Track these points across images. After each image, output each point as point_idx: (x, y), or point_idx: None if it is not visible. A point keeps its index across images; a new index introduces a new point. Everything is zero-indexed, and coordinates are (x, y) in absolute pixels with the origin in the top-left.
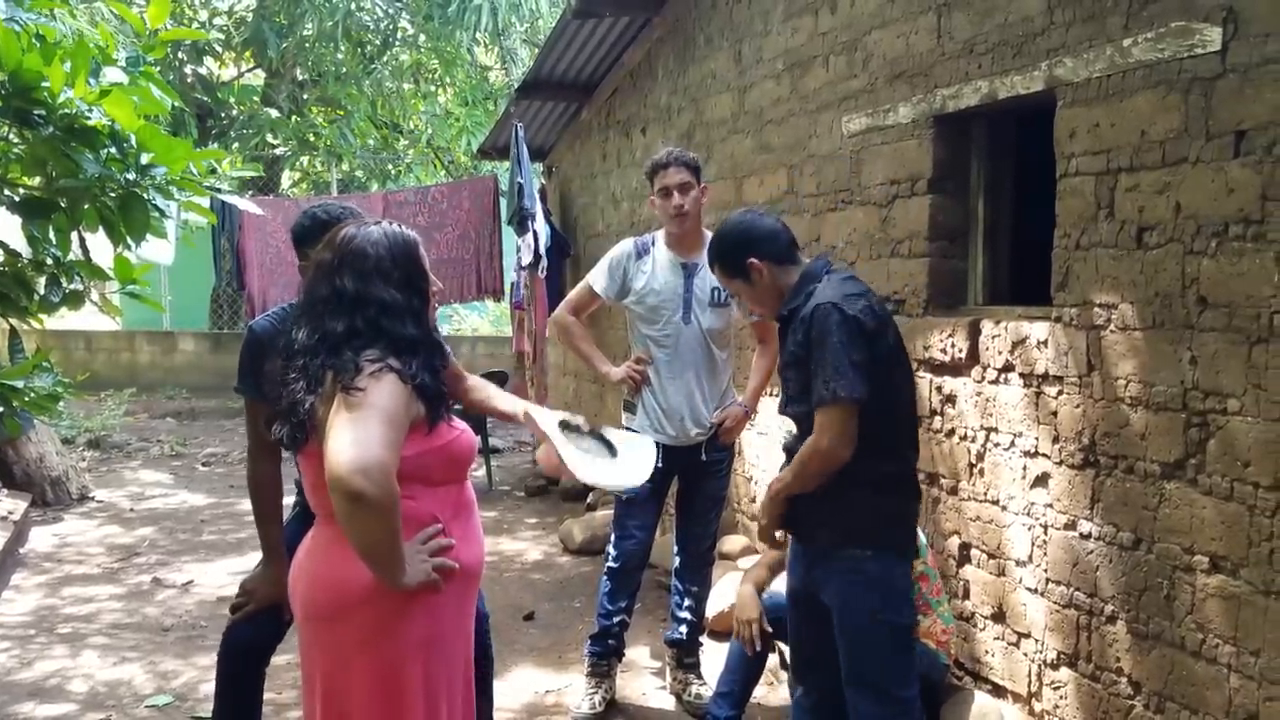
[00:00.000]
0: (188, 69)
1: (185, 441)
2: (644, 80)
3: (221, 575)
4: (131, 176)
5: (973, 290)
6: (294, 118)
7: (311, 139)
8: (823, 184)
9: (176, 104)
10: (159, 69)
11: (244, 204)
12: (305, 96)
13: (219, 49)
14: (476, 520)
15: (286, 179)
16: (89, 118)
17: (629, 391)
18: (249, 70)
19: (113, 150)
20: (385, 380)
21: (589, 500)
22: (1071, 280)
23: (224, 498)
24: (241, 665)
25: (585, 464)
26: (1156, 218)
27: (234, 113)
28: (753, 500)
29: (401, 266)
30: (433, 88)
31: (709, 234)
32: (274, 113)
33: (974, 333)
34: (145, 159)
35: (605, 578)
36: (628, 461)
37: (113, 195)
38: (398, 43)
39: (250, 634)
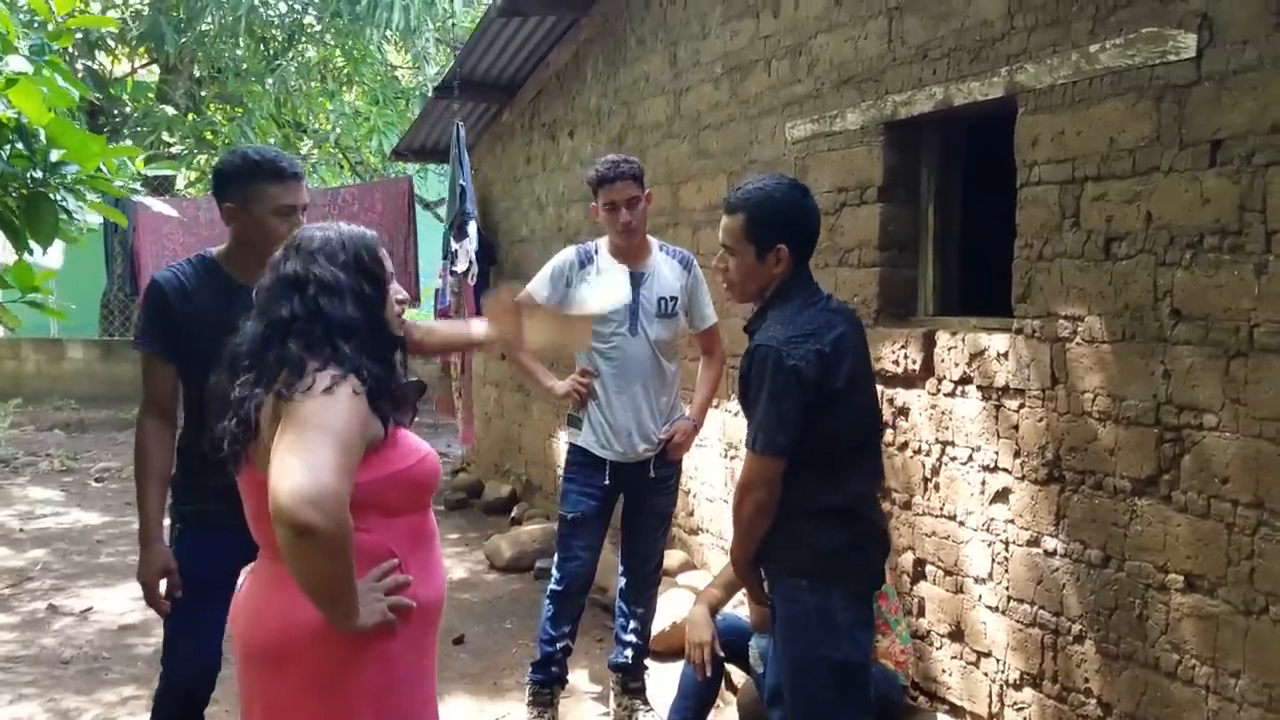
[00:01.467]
0: (79, 63)
1: (76, 455)
2: (571, 82)
3: (123, 601)
4: (39, 175)
5: (923, 300)
6: (190, 115)
7: (209, 137)
8: None
9: (84, 97)
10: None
11: (160, 206)
12: (203, 93)
13: (112, 43)
14: (438, 552)
15: (182, 179)
16: None
17: (574, 406)
18: (143, 66)
19: (18, 146)
20: (340, 396)
21: (514, 514)
22: (1034, 291)
23: (120, 516)
24: (179, 712)
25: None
26: (1126, 228)
27: (127, 110)
28: (690, 514)
29: (350, 250)
30: (340, 85)
31: (653, 240)
32: (170, 110)
33: (928, 344)
34: (55, 156)
35: (548, 601)
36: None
37: (15, 195)
38: (303, 39)
39: (190, 674)
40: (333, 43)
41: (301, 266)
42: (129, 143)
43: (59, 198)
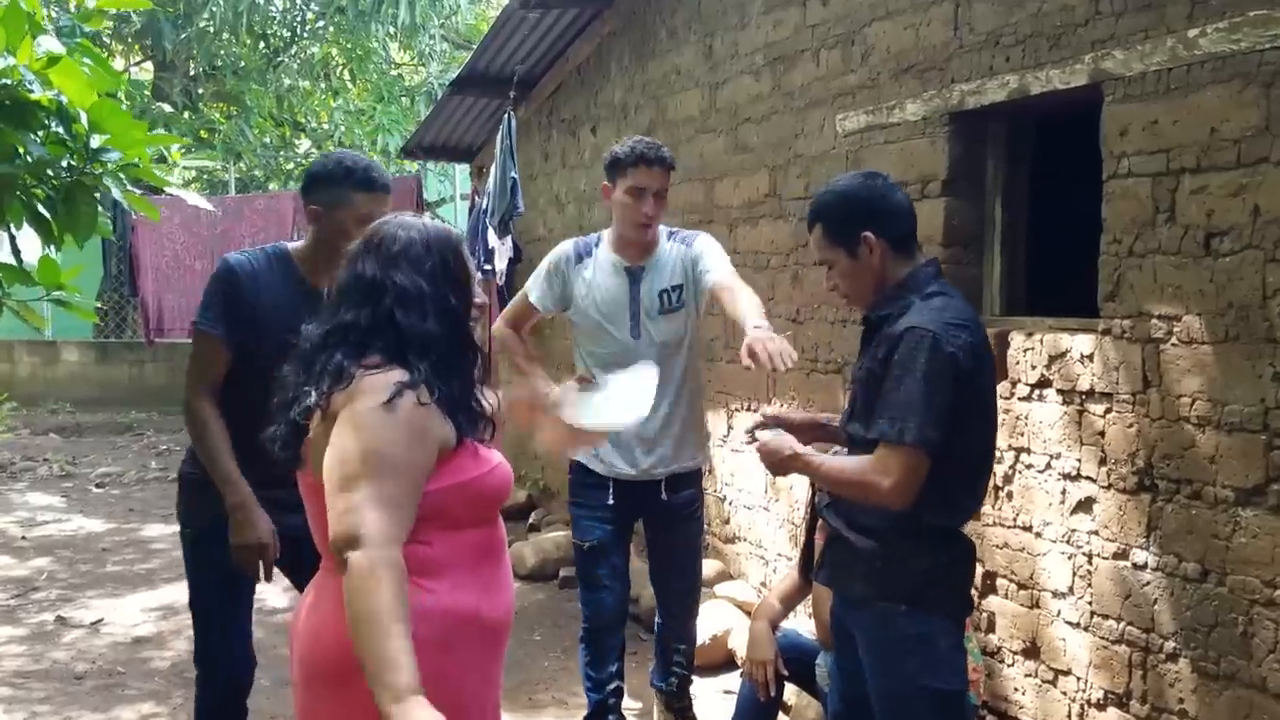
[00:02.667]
0: None
1: (75, 460)
2: (593, 76)
3: (134, 612)
4: (76, 163)
5: (989, 298)
6: (187, 113)
7: (205, 136)
8: (813, 185)
9: (114, 81)
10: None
11: (196, 200)
12: (200, 91)
13: (106, 39)
14: (507, 569)
15: (178, 177)
16: (31, 90)
17: None
18: (138, 64)
19: (57, 130)
20: (399, 410)
21: (531, 520)
22: (1123, 289)
23: (125, 522)
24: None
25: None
26: (1229, 222)
27: (124, 107)
28: (726, 522)
29: (437, 254)
30: (342, 83)
31: (662, 229)
32: (166, 108)
33: (1001, 345)
34: (96, 142)
35: (583, 645)
36: (620, 395)
37: (53, 184)
38: (306, 36)
39: (231, 677)
40: (335, 39)
41: (379, 270)
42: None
43: (99, 188)
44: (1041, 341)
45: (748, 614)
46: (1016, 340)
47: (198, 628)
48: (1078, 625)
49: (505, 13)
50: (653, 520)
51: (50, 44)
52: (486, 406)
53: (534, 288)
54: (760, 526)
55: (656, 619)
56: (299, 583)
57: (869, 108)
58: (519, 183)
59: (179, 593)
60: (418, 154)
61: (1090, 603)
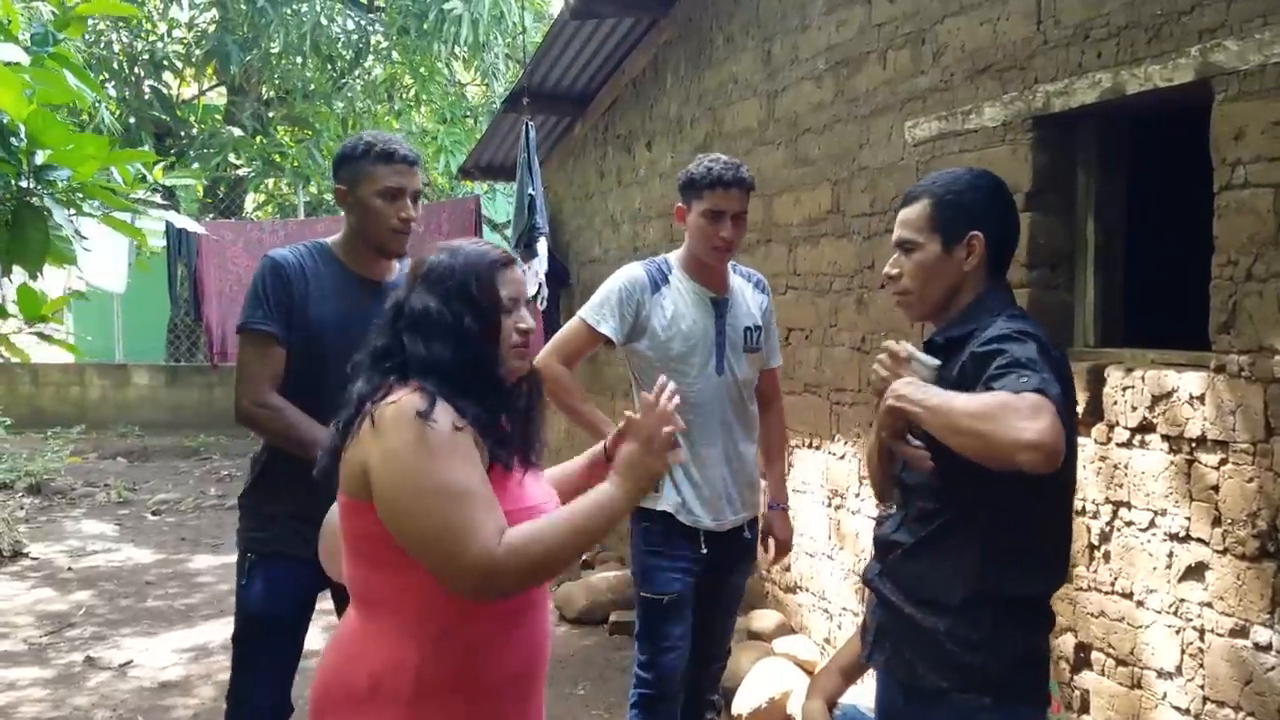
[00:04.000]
0: (145, 84)
1: (135, 486)
2: (649, 89)
3: (165, 653)
4: (27, 185)
5: (1081, 328)
6: (259, 138)
7: (277, 159)
8: (879, 200)
9: (98, 97)
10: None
11: (187, 223)
12: (270, 115)
13: (178, 63)
14: (543, 614)
15: (251, 201)
16: None
17: None
18: (211, 88)
19: None
20: (433, 436)
21: (584, 556)
22: (1240, 320)
23: (174, 553)
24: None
25: None
26: None
27: (194, 132)
28: (786, 569)
29: (459, 276)
30: (408, 105)
31: (734, 265)
32: (237, 131)
33: (1095, 382)
34: (41, 158)
35: (635, 711)
36: None
37: None
38: (370, 57)
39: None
40: (400, 60)
41: (405, 293)
42: (195, 165)
43: (48, 210)
44: (1143, 379)
45: (809, 674)
46: (1114, 377)
47: (235, 663)
48: (1187, 712)
49: (557, 25)
50: (719, 566)
51: (11, 53)
52: (518, 434)
53: (603, 318)
54: (823, 576)
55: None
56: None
57: (942, 113)
58: (540, 200)
59: (215, 631)
60: (475, 174)
61: (1202, 686)
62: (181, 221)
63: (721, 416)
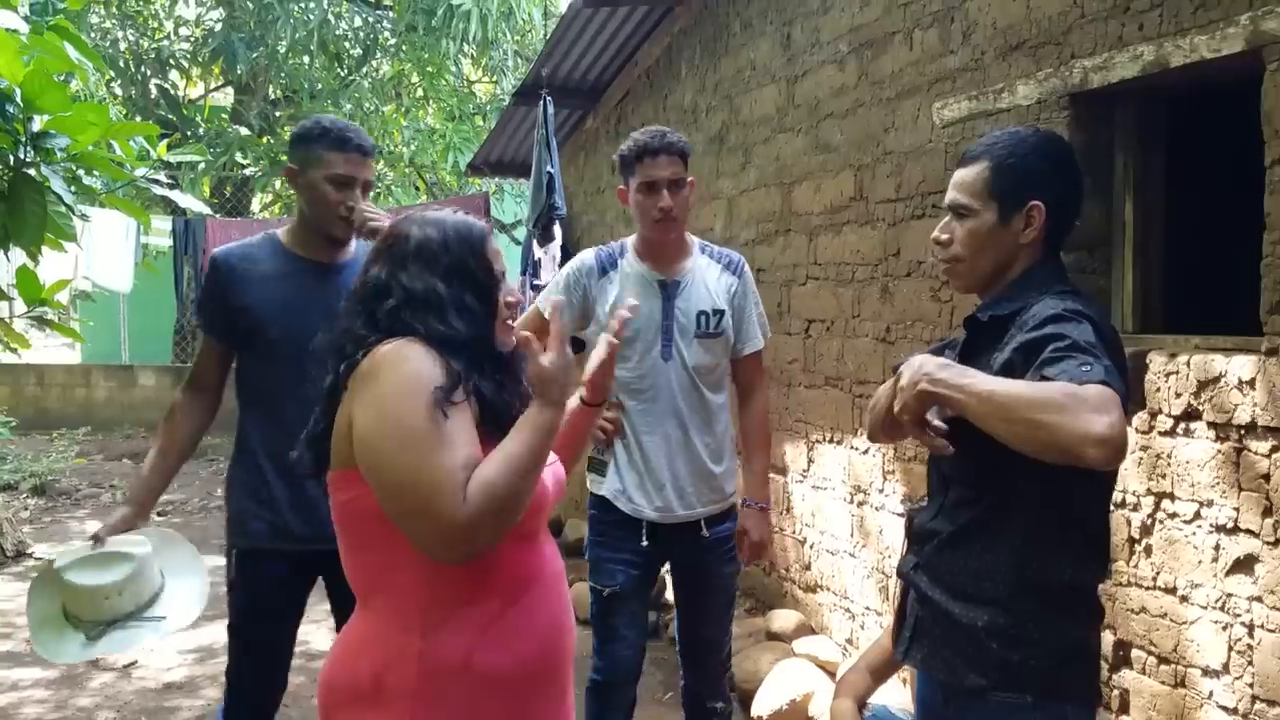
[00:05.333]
0: (152, 83)
1: None
2: (663, 79)
3: (169, 655)
4: (25, 156)
5: (1120, 313)
6: (265, 137)
7: (284, 159)
8: (905, 186)
9: (97, 68)
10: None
11: (192, 202)
12: (277, 114)
13: (184, 62)
14: (554, 597)
15: (257, 201)
16: None
17: (596, 447)
18: (218, 88)
19: None
20: (410, 355)
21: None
22: None
23: None
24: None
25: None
26: None
27: (201, 130)
28: (807, 568)
29: (456, 253)
30: (415, 103)
31: (694, 240)
32: (244, 131)
33: (1138, 368)
34: (38, 124)
35: (590, 698)
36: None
37: None
38: (378, 54)
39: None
40: (407, 57)
41: (387, 272)
42: (201, 165)
43: (49, 181)
44: (1188, 364)
45: (831, 675)
46: (1156, 362)
47: (230, 654)
48: (1235, 711)
49: (570, 13)
50: (686, 562)
51: (8, 19)
52: (513, 406)
53: (550, 303)
54: (845, 574)
55: (682, 678)
56: (340, 616)
57: (972, 93)
58: (559, 179)
59: (219, 632)
60: (484, 170)
61: (1251, 685)
62: (185, 201)
63: (670, 404)
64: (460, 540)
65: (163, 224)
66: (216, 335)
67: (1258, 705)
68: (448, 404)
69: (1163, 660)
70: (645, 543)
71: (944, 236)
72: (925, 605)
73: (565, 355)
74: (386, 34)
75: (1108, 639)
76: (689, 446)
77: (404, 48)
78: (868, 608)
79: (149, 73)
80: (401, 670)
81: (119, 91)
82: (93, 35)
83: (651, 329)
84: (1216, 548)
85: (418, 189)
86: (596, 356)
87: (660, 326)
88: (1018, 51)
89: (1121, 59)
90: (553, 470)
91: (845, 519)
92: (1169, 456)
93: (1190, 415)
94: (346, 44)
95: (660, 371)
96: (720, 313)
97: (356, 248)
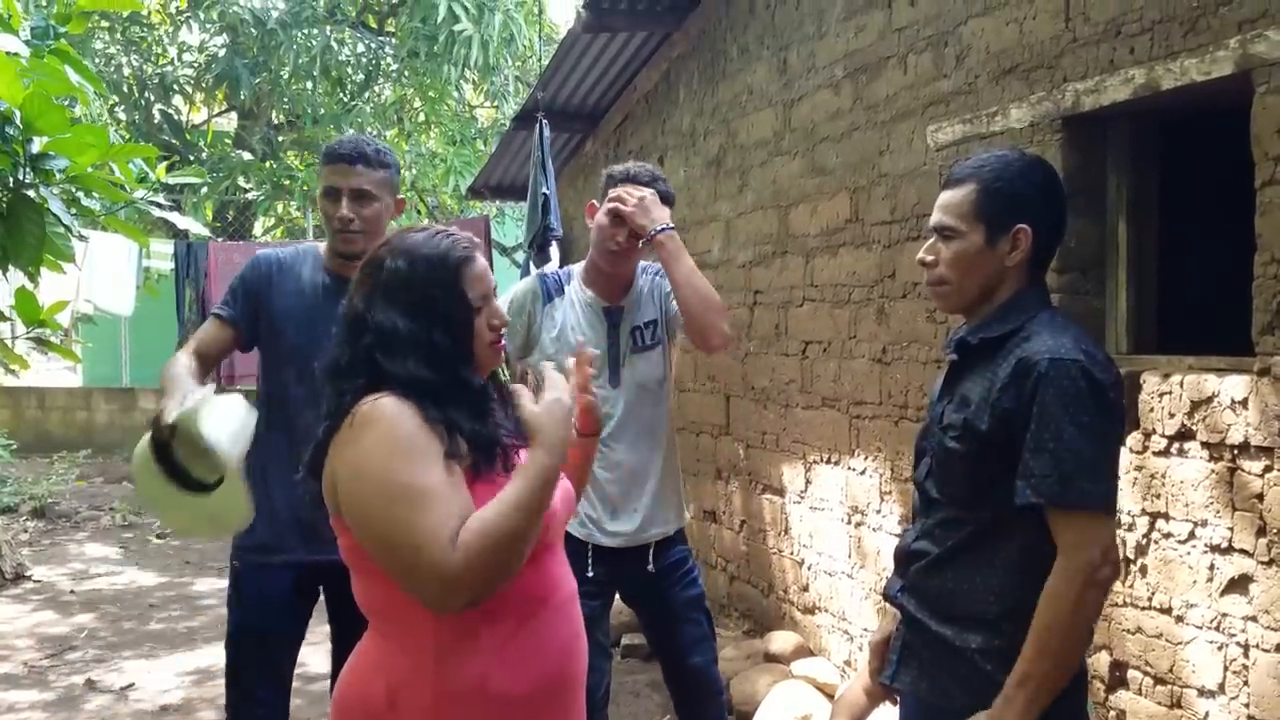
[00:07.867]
0: (155, 108)
1: (140, 510)
2: (661, 104)
3: (167, 677)
4: (24, 177)
5: (1114, 335)
6: (268, 162)
7: (286, 183)
8: (899, 208)
9: (97, 92)
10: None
11: (191, 224)
12: (280, 139)
13: (188, 88)
14: (566, 616)
15: (260, 225)
16: None
17: None
18: (221, 113)
19: None
20: (384, 414)
21: None
22: None
23: (178, 576)
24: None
25: None
26: None
27: (204, 155)
28: (805, 589)
29: (419, 288)
30: (417, 127)
31: (645, 264)
32: (246, 155)
33: (1132, 389)
34: (38, 146)
35: None
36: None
37: None
38: (380, 79)
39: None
40: (409, 83)
41: (364, 304)
42: (204, 190)
43: (47, 202)
44: (1181, 384)
45: (829, 697)
46: (1150, 383)
47: (228, 672)
48: None
49: (569, 39)
50: (643, 597)
51: (9, 43)
52: (501, 437)
53: (579, 346)
54: (843, 596)
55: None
56: (338, 630)
57: (966, 116)
58: (554, 200)
59: (217, 654)
60: (484, 193)
61: (1247, 705)
62: (185, 223)
63: (619, 428)
64: (453, 589)
65: (164, 247)
66: (236, 318)
67: None
68: (430, 455)
69: (1159, 680)
70: (591, 573)
71: (929, 258)
72: (913, 628)
73: (559, 401)
74: (389, 59)
75: (1104, 659)
76: (639, 468)
77: (406, 73)
78: (866, 629)
79: (152, 98)
80: (416, 691)
81: (122, 116)
82: (97, 60)
83: (599, 359)
84: (1211, 567)
85: (419, 212)
86: (568, 389)
87: (608, 356)
88: (1010, 75)
89: (1113, 82)
90: (562, 488)
91: (843, 540)
92: (1163, 476)
93: (1184, 435)
94: (349, 69)
95: (609, 400)
96: (652, 323)
97: None
